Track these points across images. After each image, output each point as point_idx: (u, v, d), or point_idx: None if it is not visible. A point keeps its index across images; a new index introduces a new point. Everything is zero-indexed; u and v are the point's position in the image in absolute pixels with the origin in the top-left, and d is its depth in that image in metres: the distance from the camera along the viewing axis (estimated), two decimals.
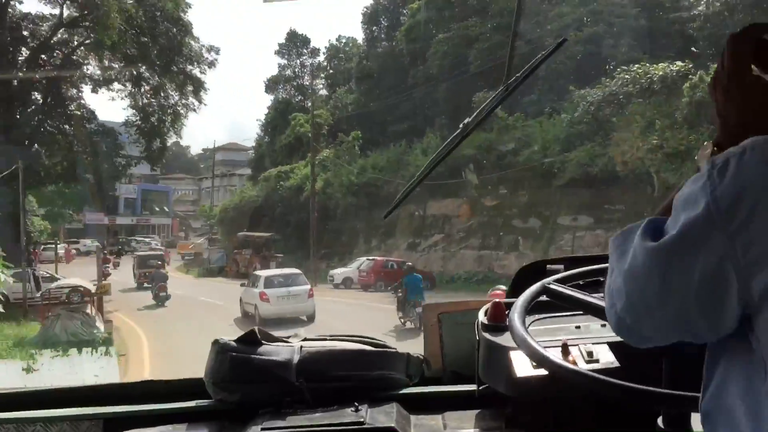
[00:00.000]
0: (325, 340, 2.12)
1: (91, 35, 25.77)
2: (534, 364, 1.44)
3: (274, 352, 1.90)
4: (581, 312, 1.66)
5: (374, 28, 48.59)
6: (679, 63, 24.89)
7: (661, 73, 25.17)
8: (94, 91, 28.00)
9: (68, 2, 26.80)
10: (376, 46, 48.41)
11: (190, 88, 29.73)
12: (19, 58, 27.10)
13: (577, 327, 1.72)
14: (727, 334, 0.95)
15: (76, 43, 27.57)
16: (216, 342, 1.91)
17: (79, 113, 27.33)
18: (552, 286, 1.56)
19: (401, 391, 1.97)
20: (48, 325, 14.90)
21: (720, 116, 1.08)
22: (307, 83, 49.51)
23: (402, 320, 18.55)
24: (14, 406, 1.93)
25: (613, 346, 1.57)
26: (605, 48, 32.58)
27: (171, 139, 32.32)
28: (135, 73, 28.42)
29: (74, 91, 27.78)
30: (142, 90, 29.30)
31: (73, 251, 48.80)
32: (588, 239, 25.84)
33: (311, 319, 20.12)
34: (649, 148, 23.27)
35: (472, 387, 1.81)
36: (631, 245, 1.02)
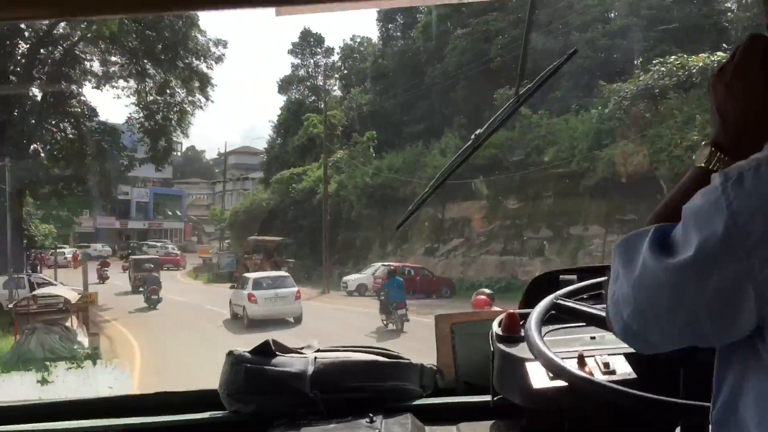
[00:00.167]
0: (339, 351, 2.06)
1: (93, 26, 24.08)
2: (551, 375, 1.41)
3: (288, 363, 1.88)
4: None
5: (390, 26, 46.73)
6: (720, 54, 22.77)
7: (700, 64, 23.10)
8: (96, 87, 26.32)
9: None
10: (391, 44, 46.56)
11: (196, 84, 27.91)
12: (17, 52, 25.44)
13: (593, 338, 1.67)
14: (736, 339, 0.93)
15: (77, 38, 25.86)
16: (231, 353, 1.87)
17: (79, 110, 25.59)
18: (560, 302, 1.56)
19: (415, 402, 1.94)
20: (22, 341, 13.08)
21: (719, 114, 1.08)
22: (321, 83, 47.66)
23: (384, 322, 18.87)
24: (29, 418, 1.89)
25: (629, 356, 1.56)
26: (634, 41, 30.53)
27: (177, 139, 30.33)
28: (139, 68, 26.69)
29: (75, 87, 26.08)
30: (147, 86, 27.55)
31: (80, 257, 47.33)
32: None
33: (298, 320, 20.43)
34: (689, 145, 21.17)
35: (487, 398, 1.77)
36: (638, 254, 0.99)
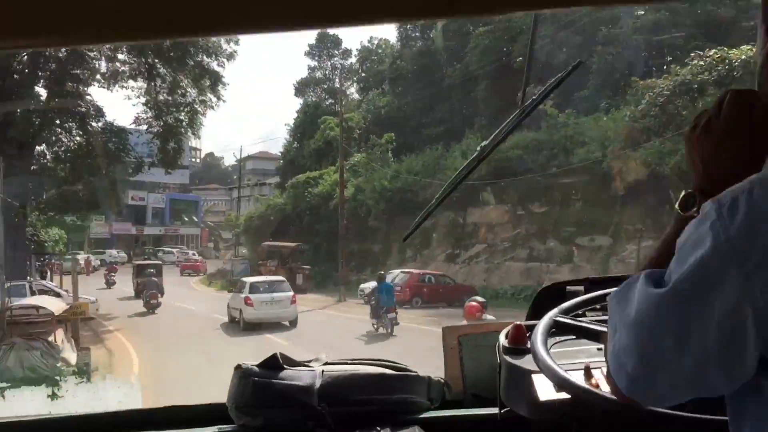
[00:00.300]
0: (347, 364, 2.06)
1: None
2: (557, 387, 1.39)
3: (296, 376, 1.88)
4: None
5: (408, 26, 45.17)
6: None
7: (742, 57, 21.34)
8: (102, 86, 24.98)
9: None
10: (410, 45, 45.03)
11: (207, 82, 26.51)
12: (21, 50, 24.20)
13: (599, 349, 1.53)
14: (743, 383, 0.91)
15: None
16: (239, 367, 1.87)
17: (85, 110, 24.28)
18: (559, 319, 1.54)
19: (423, 415, 1.94)
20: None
21: (705, 164, 1.08)
22: (338, 85, 46.20)
23: (375, 326, 19.17)
24: None
25: None
26: (665, 37, 28.81)
27: (189, 140, 28.91)
28: (147, 66, 25.36)
29: (81, 87, 24.75)
30: (156, 85, 26.19)
31: (95, 262, 46.24)
32: None
33: (294, 324, 20.87)
34: None
35: (494, 410, 1.75)
36: (632, 300, 0.95)
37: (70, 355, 12.59)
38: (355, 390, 1.90)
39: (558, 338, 1.63)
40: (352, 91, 49.97)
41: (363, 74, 49.97)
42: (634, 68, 27.96)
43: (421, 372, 2.05)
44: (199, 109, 27.18)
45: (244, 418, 1.86)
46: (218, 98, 27.00)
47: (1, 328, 13.43)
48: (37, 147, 24.32)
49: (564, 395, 1.39)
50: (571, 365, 1.45)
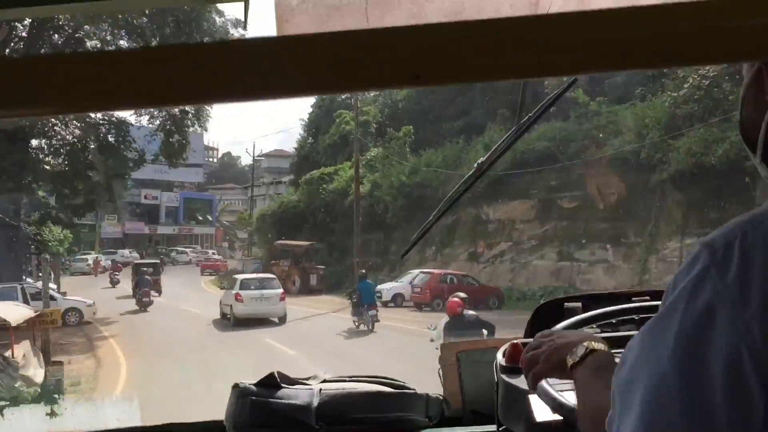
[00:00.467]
0: (344, 381, 2.05)
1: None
2: (552, 409, 1.35)
3: (293, 395, 1.87)
4: None
5: None
6: None
7: None
8: None
9: None
10: None
11: None
12: (15, 37, 22.52)
13: None
14: None
15: (80, 19, 22.85)
16: (236, 386, 1.87)
17: None
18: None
19: None
20: None
21: None
22: None
23: (356, 323, 19.49)
24: None
25: None
26: None
27: (202, 138, 27.02)
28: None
29: None
30: None
31: (105, 262, 44.70)
32: None
33: (282, 320, 21.22)
34: None
35: (493, 427, 1.73)
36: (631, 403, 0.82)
37: (35, 372, 10.70)
38: (352, 408, 1.87)
39: None
40: None
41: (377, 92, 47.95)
42: None
43: (419, 389, 2.01)
44: None
45: None
46: None
47: None
48: (31, 140, 22.59)
49: (560, 417, 1.33)
50: (567, 384, 1.33)
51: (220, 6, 24.54)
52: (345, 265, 32.07)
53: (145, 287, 24.32)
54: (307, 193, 37.67)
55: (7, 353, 10.71)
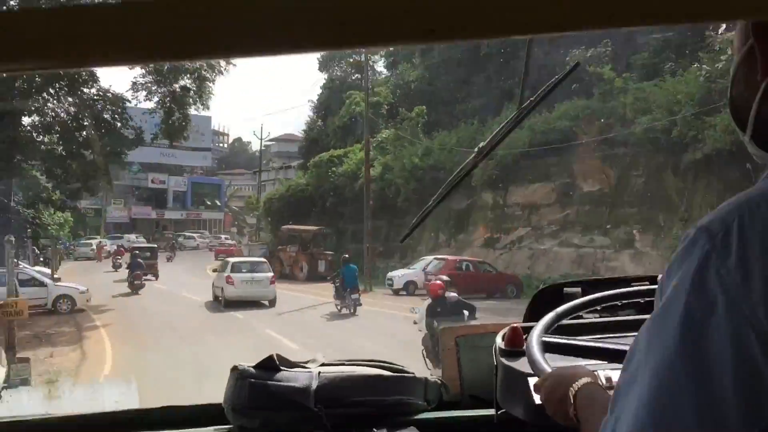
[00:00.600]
0: (343, 365, 2.04)
1: None
2: None
3: (292, 378, 1.87)
4: (600, 335, 1.65)
5: None
6: None
7: None
8: None
9: None
10: None
11: None
12: (4, 8, 21.05)
13: None
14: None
15: None
16: (235, 368, 1.86)
17: (74, 73, 21.03)
18: (546, 339, 1.52)
19: (419, 416, 1.94)
20: None
21: None
22: (365, 58, 42.59)
23: (338, 307, 19.55)
24: None
25: None
26: None
27: (199, 112, 25.49)
28: None
29: None
30: None
31: (109, 247, 43.43)
32: None
33: (272, 303, 21.42)
34: None
35: (491, 411, 1.75)
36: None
37: None
38: (351, 391, 1.86)
39: (554, 339, 1.59)
40: (380, 67, 46.45)
41: (391, 48, 46.39)
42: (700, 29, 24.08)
43: (417, 373, 2.01)
44: (207, 75, 23.84)
45: (241, 420, 1.83)
46: (227, 62, 23.61)
47: None
48: (23, 117, 21.18)
49: None
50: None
51: None
52: (355, 250, 30.60)
53: (137, 270, 24.15)
54: (316, 176, 36.22)
55: None
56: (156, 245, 36.22)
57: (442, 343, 2.14)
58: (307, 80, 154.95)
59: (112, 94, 22.09)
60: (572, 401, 1.15)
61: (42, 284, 19.66)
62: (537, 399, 1.40)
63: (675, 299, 0.75)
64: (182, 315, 18.86)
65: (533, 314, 1.74)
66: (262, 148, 61.38)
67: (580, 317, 1.67)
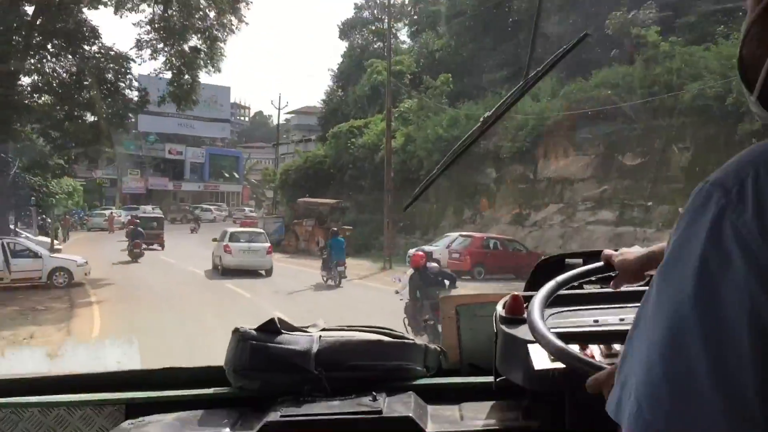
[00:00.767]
0: (344, 330, 2.01)
1: None
2: (552, 357, 1.40)
3: (293, 341, 1.84)
4: (600, 306, 1.65)
5: None
6: None
7: None
8: (97, 4, 19.84)
9: None
10: None
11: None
12: None
13: (596, 321, 1.60)
14: None
15: None
16: (236, 330, 1.84)
17: (75, 29, 19.32)
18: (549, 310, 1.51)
19: (418, 382, 1.90)
20: None
21: None
22: (387, 25, 40.51)
23: (324, 278, 19.76)
24: (39, 391, 1.89)
25: None
26: None
27: (209, 74, 23.63)
28: None
29: (73, 5, 19.70)
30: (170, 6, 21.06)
31: (123, 218, 42.02)
32: None
33: (269, 273, 21.82)
34: None
35: (490, 379, 1.74)
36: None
37: None
38: (351, 356, 1.85)
39: (555, 309, 1.62)
40: (403, 36, 44.30)
41: (415, 16, 44.21)
42: None
43: (417, 340, 1.98)
44: (219, 34, 22.01)
45: (241, 381, 1.82)
46: (239, 20, 21.76)
47: None
48: (21, 77, 19.51)
49: (558, 365, 1.38)
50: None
51: None
52: (374, 226, 28.88)
53: (137, 239, 24.30)
54: (335, 147, 34.39)
55: None
56: (162, 215, 35.56)
57: (442, 311, 2.12)
58: (328, 49, 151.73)
59: (115, 52, 20.34)
60: None
61: (37, 256, 18.12)
62: (536, 365, 1.43)
63: (689, 249, 0.72)
64: (182, 295, 17.20)
65: (534, 284, 1.70)
66: (280, 118, 59.39)
67: (582, 288, 1.64)
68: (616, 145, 22.43)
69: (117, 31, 24.43)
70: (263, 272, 21.76)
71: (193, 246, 30.68)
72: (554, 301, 1.49)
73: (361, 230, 29.62)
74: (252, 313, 14.01)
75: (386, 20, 41.32)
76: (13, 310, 15.04)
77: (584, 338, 1.46)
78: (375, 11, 44.76)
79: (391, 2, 43.09)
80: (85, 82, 19.72)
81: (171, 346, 10.37)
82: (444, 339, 2.07)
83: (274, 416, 1.65)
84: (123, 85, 20.26)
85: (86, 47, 19.85)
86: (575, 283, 1.52)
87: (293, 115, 73.63)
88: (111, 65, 19.89)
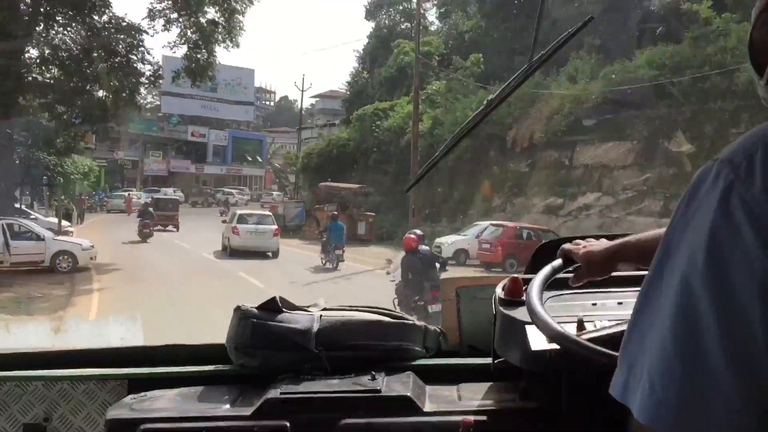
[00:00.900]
0: (344, 310, 2.01)
1: None
2: (549, 339, 1.39)
3: (294, 320, 1.84)
4: (598, 290, 1.63)
5: None
6: None
7: None
8: None
9: None
10: None
11: None
12: None
13: (594, 304, 1.62)
14: None
15: None
16: (238, 308, 1.84)
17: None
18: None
19: (417, 362, 1.90)
20: None
21: None
22: (415, 5, 38.81)
23: (323, 261, 19.91)
24: (43, 365, 1.90)
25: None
26: None
27: (228, 50, 22.17)
28: None
29: None
30: None
31: (138, 200, 40.96)
32: None
33: (275, 255, 22.08)
34: None
35: (488, 360, 1.73)
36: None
37: None
38: (352, 335, 1.84)
39: (554, 292, 1.62)
40: (432, 17, 42.55)
41: None
42: None
43: (417, 321, 1.96)
44: (237, 6, 20.55)
45: (243, 359, 1.82)
46: None
47: None
48: (28, 48, 18.21)
49: (555, 346, 1.37)
50: (564, 318, 1.44)
51: None
52: (399, 212, 27.38)
53: (146, 219, 24.35)
54: (359, 130, 32.86)
55: None
56: (177, 198, 35.16)
57: (443, 293, 2.12)
58: (354, 30, 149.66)
59: (127, 22, 18.94)
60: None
61: (40, 238, 16.87)
62: (533, 346, 1.42)
63: (697, 225, 0.72)
64: (186, 279, 15.90)
65: (534, 268, 1.63)
66: (304, 102, 57.95)
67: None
68: (662, 130, 20.65)
69: (128, 0, 22.62)
70: (270, 254, 21.97)
71: (214, 230, 29.44)
72: (553, 284, 1.48)
73: (384, 217, 28.17)
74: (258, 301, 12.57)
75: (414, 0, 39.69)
76: (6, 296, 13.81)
77: (582, 322, 1.45)
78: None
79: None
80: (94, 55, 18.34)
81: (167, 330, 9.01)
82: (444, 321, 2.05)
83: (274, 393, 1.64)
84: (135, 58, 18.85)
85: (95, 17, 18.48)
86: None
87: (317, 99, 72.30)
88: (122, 36, 18.50)
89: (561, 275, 1.49)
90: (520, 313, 1.51)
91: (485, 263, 19.39)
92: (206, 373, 1.86)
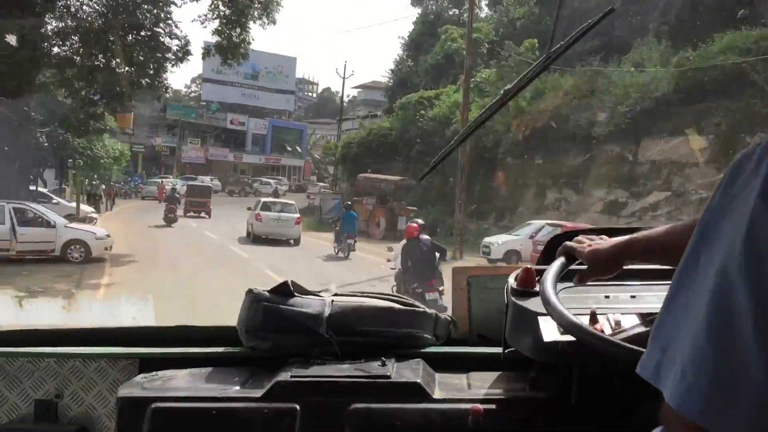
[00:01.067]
0: (356, 296, 2.01)
1: None
2: (561, 330, 1.40)
3: (305, 304, 1.82)
4: (611, 282, 1.56)
5: None
6: None
7: None
8: None
9: None
10: None
11: None
12: None
13: (607, 297, 1.57)
14: None
15: None
16: (250, 291, 1.83)
17: None
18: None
19: (427, 350, 1.88)
20: None
21: None
22: None
23: (336, 250, 19.97)
24: (55, 342, 1.90)
25: (641, 316, 1.47)
26: None
27: (264, 27, 20.40)
28: None
29: None
30: None
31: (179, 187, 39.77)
32: None
33: (297, 242, 22.57)
34: None
35: (498, 350, 1.72)
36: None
37: None
38: (362, 321, 1.82)
39: (567, 284, 1.56)
40: (482, 3, 40.36)
41: None
42: None
43: (428, 309, 1.93)
44: None
45: (253, 341, 1.80)
46: None
47: None
48: (45, 24, 16.68)
49: (567, 337, 1.37)
50: (577, 310, 1.38)
51: None
52: (443, 208, 25.45)
53: (171, 203, 24.56)
54: (402, 119, 30.94)
55: None
56: (210, 185, 35.08)
57: (454, 282, 2.08)
58: (399, 18, 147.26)
59: None
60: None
61: (50, 225, 15.34)
62: (545, 337, 1.41)
63: (736, 211, 0.69)
64: (208, 275, 14.18)
65: (547, 259, 1.62)
66: (346, 92, 56.21)
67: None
68: (743, 124, 18.26)
69: None
70: (291, 241, 22.45)
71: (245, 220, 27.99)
72: (566, 275, 1.47)
73: (427, 212, 26.22)
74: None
75: None
76: (6, 290, 12.27)
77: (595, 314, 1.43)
78: None
79: None
80: (117, 27, 16.72)
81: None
82: (454, 309, 2.04)
83: (284, 376, 1.63)
84: (161, 32, 17.18)
85: None
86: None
87: (360, 90, 70.65)
88: (147, 7, 16.85)
89: (573, 267, 1.45)
90: (533, 304, 1.49)
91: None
92: (217, 355, 1.83)
